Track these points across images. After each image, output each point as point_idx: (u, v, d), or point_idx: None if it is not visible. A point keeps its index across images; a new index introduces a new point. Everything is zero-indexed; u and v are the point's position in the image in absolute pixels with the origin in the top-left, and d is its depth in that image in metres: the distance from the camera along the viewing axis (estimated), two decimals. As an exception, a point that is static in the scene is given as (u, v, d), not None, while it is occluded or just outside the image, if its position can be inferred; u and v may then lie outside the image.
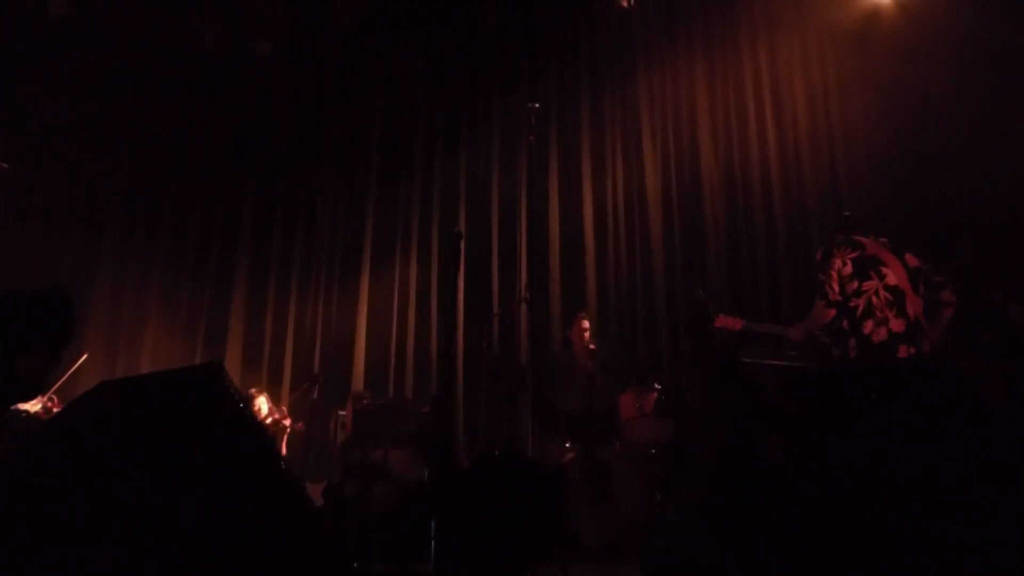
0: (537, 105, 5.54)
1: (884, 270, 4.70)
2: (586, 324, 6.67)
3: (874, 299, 4.62)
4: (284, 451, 7.38)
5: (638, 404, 6.29)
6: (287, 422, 7.41)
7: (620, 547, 5.39)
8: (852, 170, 7.83)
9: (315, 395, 7.67)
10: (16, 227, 8.32)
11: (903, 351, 4.49)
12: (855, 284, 4.71)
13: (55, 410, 6.93)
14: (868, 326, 4.60)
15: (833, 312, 4.76)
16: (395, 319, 8.45)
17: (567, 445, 5.90)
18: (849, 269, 4.75)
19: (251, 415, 2.19)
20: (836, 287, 4.75)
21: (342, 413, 6.70)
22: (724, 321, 5.49)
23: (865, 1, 7.88)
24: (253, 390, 7.56)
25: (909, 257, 4.85)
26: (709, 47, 8.52)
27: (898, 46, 7.62)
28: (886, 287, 4.65)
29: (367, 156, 9.05)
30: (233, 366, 8.38)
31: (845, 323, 4.73)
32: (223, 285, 8.82)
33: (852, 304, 4.67)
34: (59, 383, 7.17)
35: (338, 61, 9.16)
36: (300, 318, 8.71)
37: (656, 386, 6.35)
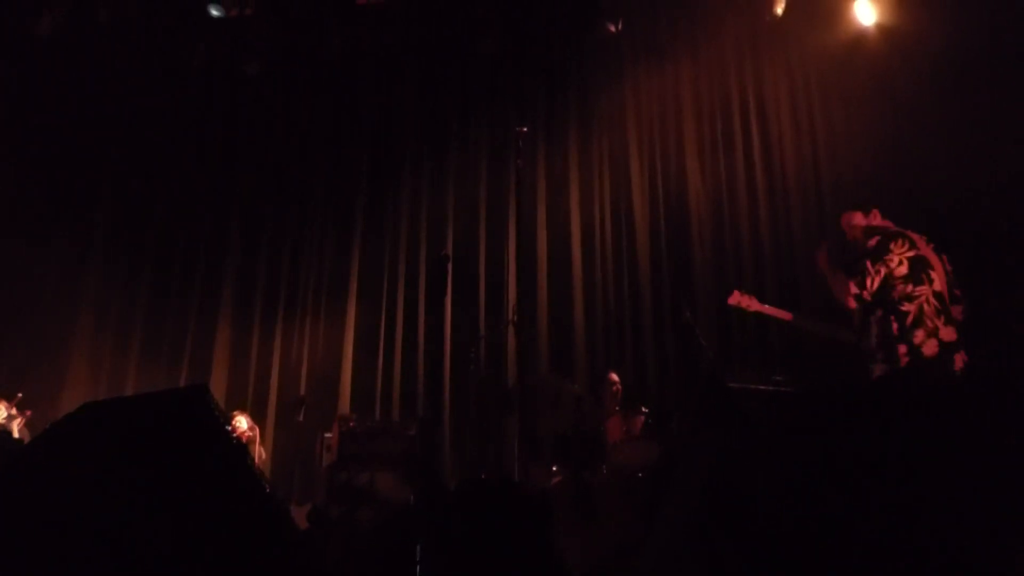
0: (525, 129, 5.57)
1: (932, 274, 4.40)
2: (614, 378, 6.57)
3: (925, 306, 4.31)
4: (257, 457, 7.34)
5: (625, 427, 6.27)
6: (255, 435, 7.38)
7: (606, 571, 5.35)
8: (837, 189, 7.88)
9: (301, 417, 7.63)
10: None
11: (958, 361, 4.22)
12: (909, 287, 4.35)
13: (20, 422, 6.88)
14: (919, 336, 4.27)
15: (854, 307, 4.43)
16: (382, 341, 8.42)
17: (553, 468, 5.87)
18: (904, 270, 4.39)
19: (236, 438, 2.18)
20: (874, 285, 4.39)
21: (328, 435, 6.66)
22: (743, 300, 5.21)
23: (849, 25, 7.97)
24: (236, 411, 7.54)
25: (946, 259, 4.59)
26: (695, 70, 8.59)
27: (881, 67, 7.72)
28: (935, 293, 4.35)
29: (355, 178, 9.05)
30: (218, 388, 8.33)
31: (895, 327, 4.35)
32: (209, 304, 8.78)
33: (904, 308, 4.31)
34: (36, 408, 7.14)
35: (326, 86, 9.19)
36: (287, 340, 8.67)
37: (643, 409, 6.33)
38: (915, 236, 4.48)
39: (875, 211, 4.81)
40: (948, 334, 4.22)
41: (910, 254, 4.36)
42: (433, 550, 4.42)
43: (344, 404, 8.12)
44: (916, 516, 2.19)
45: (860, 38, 7.93)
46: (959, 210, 7.02)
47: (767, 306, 5.29)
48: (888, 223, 4.72)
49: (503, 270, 8.27)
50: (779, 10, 7.91)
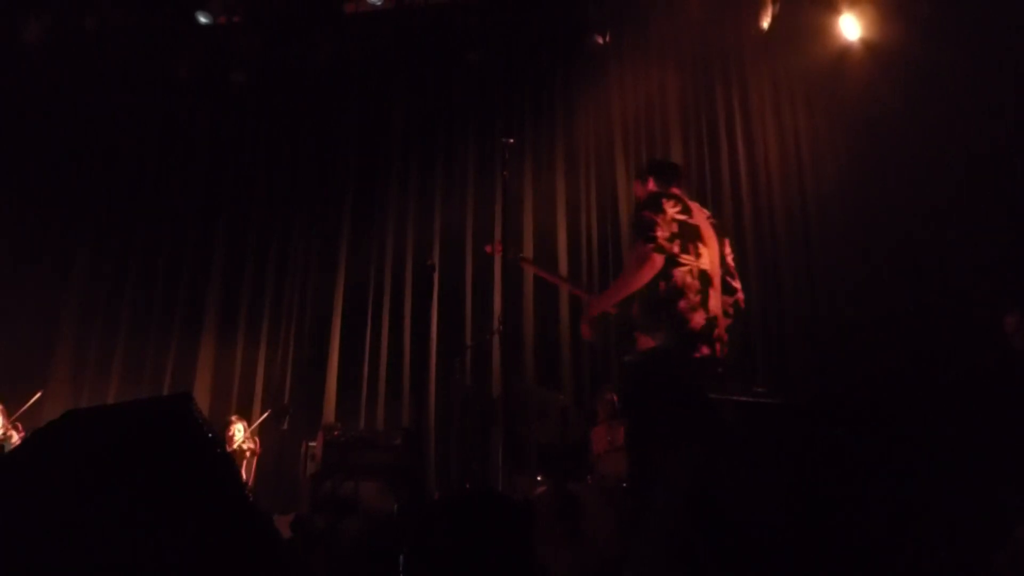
0: (512, 140, 5.57)
1: (701, 248, 3.98)
2: (613, 398, 6.50)
3: (688, 278, 3.88)
4: (245, 476, 7.33)
5: (610, 437, 6.28)
6: (250, 447, 7.37)
7: (590, 582, 5.35)
8: (820, 199, 7.95)
9: (285, 426, 7.61)
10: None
11: (702, 350, 3.87)
12: (675, 248, 3.87)
13: (15, 440, 6.85)
14: (681, 304, 3.83)
15: (662, 261, 3.81)
16: (367, 350, 8.42)
17: (538, 479, 5.87)
18: (675, 227, 3.89)
19: (220, 447, 2.18)
20: (666, 232, 3.84)
21: (312, 444, 6.65)
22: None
23: (834, 41, 8.04)
24: (233, 416, 7.53)
25: (727, 243, 4.26)
26: (682, 84, 8.63)
27: (865, 81, 7.80)
28: (700, 270, 3.93)
29: (341, 188, 9.07)
30: (202, 397, 8.31)
31: (662, 285, 3.84)
32: (194, 312, 8.79)
33: (667, 271, 3.84)
34: (20, 411, 7.10)
35: (313, 95, 9.19)
36: (271, 349, 8.66)
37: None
38: (691, 203, 4.09)
39: (651, 179, 4.35)
40: (699, 319, 3.84)
41: (681, 217, 3.93)
42: (417, 560, 4.41)
43: (329, 413, 8.11)
44: (896, 525, 2.21)
45: (845, 53, 8.00)
46: (938, 218, 7.13)
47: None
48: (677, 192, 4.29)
49: (489, 280, 8.28)
50: (765, 24, 7.96)
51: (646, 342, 3.92)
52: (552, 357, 8.01)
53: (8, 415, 7.12)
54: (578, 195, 8.57)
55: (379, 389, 8.28)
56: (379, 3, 8.34)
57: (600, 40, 8.52)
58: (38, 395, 7.49)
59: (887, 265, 7.32)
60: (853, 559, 2.19)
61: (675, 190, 4.17)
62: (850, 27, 7.91)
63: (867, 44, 7.91)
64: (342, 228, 8.91)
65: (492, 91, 9.01)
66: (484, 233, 8.50)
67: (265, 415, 7.92)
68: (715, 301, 4.00)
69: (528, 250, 8.39)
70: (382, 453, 6.25)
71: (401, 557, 4.69)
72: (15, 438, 6.94)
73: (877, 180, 7.53)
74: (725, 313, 4.12)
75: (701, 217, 4.16)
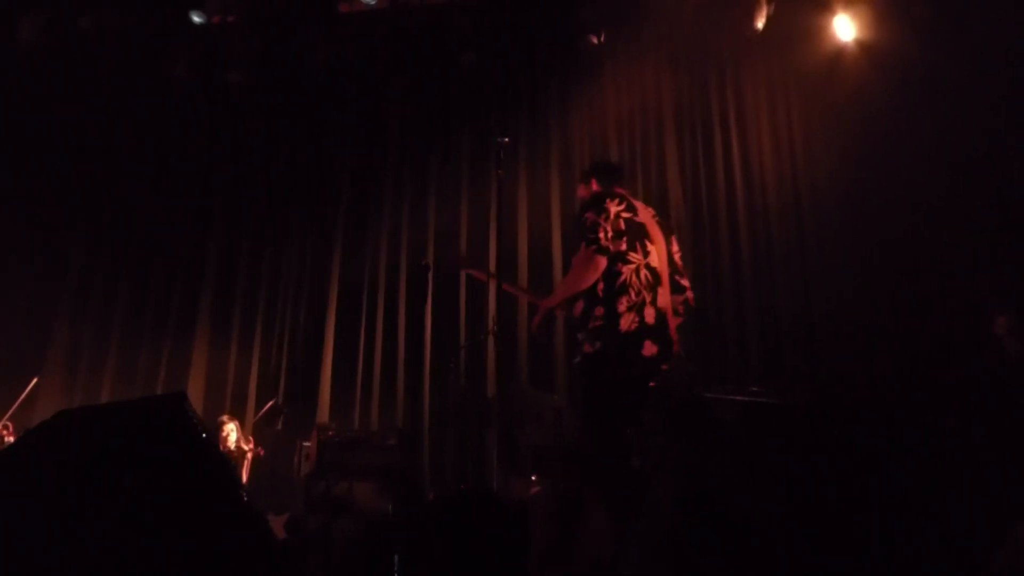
0: (507, 140, 5.56)
1: (649, 246, 4.01)
2: None
3: (633, 278, 3.89)
4: (245, 478, 7.31)
5: (604, 438, 6.27)
6: (249, 448, 7.36)
7: (584, 583, 5.34)
8: (815, 200, 7.96)
9: (279, 426, 7.60)
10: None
11: (648, 347, 3.86)
12: (622, 246, 3.90)
13: (8, 439, 6.83)
14: (622, 304, 3.84)
15: (605, 263, 3.83)
16: (361, 350, 8.41)
17: (533, 479, 5.87)
18: (621, 225, 3.92)
19: (214, 447, 2.17)
20: (609, 232, 3.85)
21: (306, 445, 6.64)
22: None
23: (829, 42, 8.05)
24: (224, 416, 7.51)
25: (674, 241, 4.27)
26: (677, 83, 8.63)
27: (859, 82, 7.82)
28: (648, 266, 3.95)
29: (336, 187, 9.06)
30: (196, 397, 8.29)
31: (601, 285, 3.86)
32: (188, 312, 8.77)
33: (615, 269, 3.87)
34: (11, 410, 7.08)
35: (308, 95, 9.18)
36: (265, 349, 8.65)
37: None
38: (636, 202, 4.12)
39: (593, 180, 4.40)
40: (650, 315, 3.84)
41: (627, 215, 3.95)
42: (411, 561, 4.41)
43: (323, 413, 8.09)
44: (890, 525, 2.21)
45: (839, 53, 8.01)
46: (931, 218, 7.15)
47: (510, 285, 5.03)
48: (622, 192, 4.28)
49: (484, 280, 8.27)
50: (760, 25, 7.97)
51: (588, 346, 3.93)
52: (547, 358, 8.01)
53: None
54: (572, 194, 8.55)
55: (373, 389, 8.26)
56: (373, 3, 8.32)
57: (595, 40, 8.51)
58: (32, 383, 7.42)
59: (881, 264, 7.34)
60: (850, 558, 2.19)
61: (618, 190, 4.17)
62: (844, 28, 7.92)
63: (862, 45, 7.92)
64: (336, 227, 8.89)
65: (486, 90, 8.99)
66: (479, 232, 8.49)
67: (269, 404, 7.91)
68: (664, 299, 4.00)
69: (522, 250, 8.39)
70: (377, 453, 6.24)
71: (396, 558, 4.69)
72: (7, 438, 6.91)
73: (871, 180, 7.54)
74: (675, 311, 4.13)
75: (647, 215, 4.17)
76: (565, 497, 5.63)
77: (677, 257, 4.30)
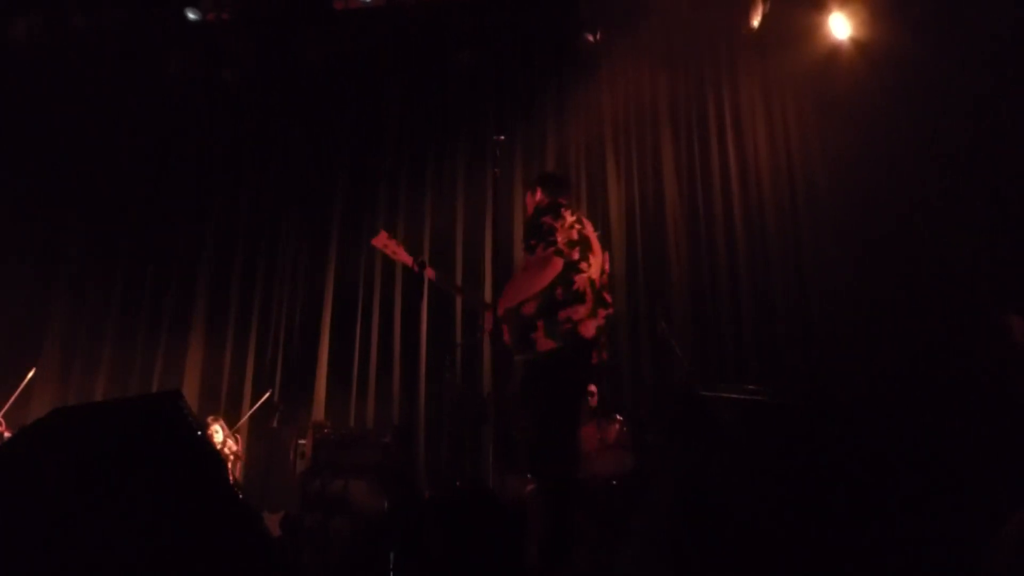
0: (503, 138, 5.56)
1: (592, 259, 4.03)
2: (592, 389, 6.42)
3: (588, 288, 3.94)
4: (234, 478, 7.29)
5: (600, 436, 6.28)
6: (236, 450, 7.32)
7: (580, 580, 5.34)
8: (810, 199, 7.98)
9: (275, 423, 7.58)
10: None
11: (595, 356, 3.92)
12: (575, 255, 3.91)
13: (5, 436, 6.81)
14: (580, 311, 3.84)
15: (561, 265, 3.83)
16: (357, 348, 8.39)
17: (528, 477, 5.86)
18: (574, 235, 3.95)
19: (209, 444, 2.16)
20: (564, 238, 3.88)
21: (302, 442, 6.63)
22: (389, 245, 4.82)
23: (824, 40, 8.06)
24: (210, 418, 7.47)
25: (606, 259, 4.26)
26: (673, 81, 8.64)
27: (854, 80, 7.83)
28: (590, 279, 3.97)
29: (332, 185, 9.04)
30: (191, 394, 8.26)
31: (560, 290, 3.85)
32: (183, 311, 8.75)
33: (570, 277, 3.86)
34: (7, 406, 7.06)
35: (303, 93, 9.16)
36: (261, 346, 8.63)
37: (618, 417, 6.34)
38: (583, 219, 4.15)
39: (539, 190, 4.41)
40: (589, 330, 3.86)
41: (578, 226, 4.00)
42: (407, 559, 4.40)
43: (319, 411, 8.08)
44: (887, 522, 2.21)
45: (835, 52, 8.02)
46: (927, 216, 7.16)
47: (404, 254, 5.02)
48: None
49: (480, 278, 8.27)
50: (755, 23, 7.98)
51: (545, 344, 3.89)
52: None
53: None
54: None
55: (369, 387, 8.25)
56: (369, 1, 8.31)
57: (591, 38, 8.52)
58: (30, 374, 7.40)
59: (877, 262, 7.35)
60: (848, 556, 2.19)
61: (562, 200, 4.18)
62: (840, 26, 7.93)
63: (857, 43, 7.93)
64: (332, 225, 8.88)
65: (483, 89, 8.98)
66: (475, 231, 8.49)
67: (266, 396, 7.89)
68: (601, 311, 4.02)
69: (518, 248, 8.36)
70: (372, 451, 6.24)
71: (391, 555, 4.68)
72: (4, 434, 6.89)
73: (867, 177, 7.55)
74: (604, 325, 4.12)
75: (590, 229, 4.20)
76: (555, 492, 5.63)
77: (606, 275, 4.29)
